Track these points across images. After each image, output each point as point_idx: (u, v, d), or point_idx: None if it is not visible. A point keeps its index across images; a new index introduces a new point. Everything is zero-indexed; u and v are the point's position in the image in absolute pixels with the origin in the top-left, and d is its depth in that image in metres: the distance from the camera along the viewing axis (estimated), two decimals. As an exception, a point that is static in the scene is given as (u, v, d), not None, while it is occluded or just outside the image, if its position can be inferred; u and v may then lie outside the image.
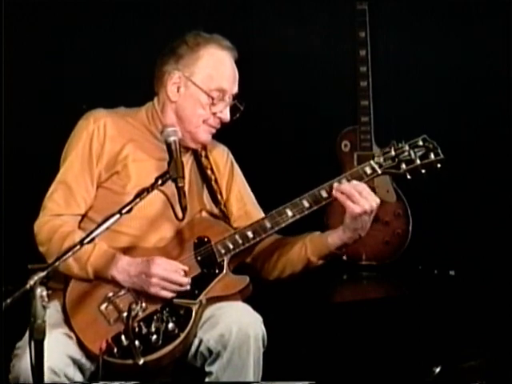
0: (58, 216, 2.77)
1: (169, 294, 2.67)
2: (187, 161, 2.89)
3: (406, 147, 2.79)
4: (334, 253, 2.80)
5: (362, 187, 2.71)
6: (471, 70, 4.06)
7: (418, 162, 2.77)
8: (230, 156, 3.03)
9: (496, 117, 4.02)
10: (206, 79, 2.82)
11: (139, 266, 2.67)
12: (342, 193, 2.70)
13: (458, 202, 4.03)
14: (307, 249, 2.81)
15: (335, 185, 2.73)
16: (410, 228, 4.01)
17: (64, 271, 2.70)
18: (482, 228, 3.98)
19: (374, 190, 3.95)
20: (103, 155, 2.82)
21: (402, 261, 4.01)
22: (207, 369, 2.66)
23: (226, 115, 2.84)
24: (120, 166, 2.81)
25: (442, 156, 2.77)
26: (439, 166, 2.77)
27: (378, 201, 2.72)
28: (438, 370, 3.33)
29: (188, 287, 2.69)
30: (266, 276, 2.90)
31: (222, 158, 3.00)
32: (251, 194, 3.01)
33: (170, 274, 2.67)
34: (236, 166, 3.02)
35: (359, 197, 2.69)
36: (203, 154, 2.95)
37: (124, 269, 2.68)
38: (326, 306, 3.61)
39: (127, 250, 2.75)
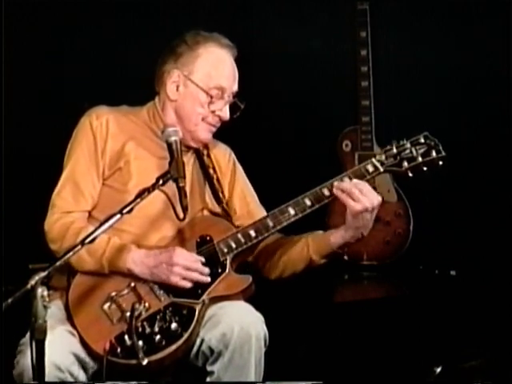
0: (68, 213, 2.77)
1: (188, 284, 2.68)
2: (189, 160, 2.89)
3: (408, 145, 2.78)
4: (336, 252, 2.80)
5: (363, 185, 2.71)
6: (471, 70, 4.06)
7: (420, 159, 2.76)
8: (233, 156, 3.02)
9: (496, 117, 4.02)
10: (204, 77, 2.82)
11: (158, 257, 2.68)
12: (343, 191, 2.70)
13: (459, 202, 4.02)
14: (309, 248, 2.81)
15: (336, 183, 2.72)
16: (411, 228, 4.01)
17: (76, 267, 2.70)
18: (483, 228, 3.98)
19: (374, 189, 4.01)
20: (106, 152, 2.82)
21: (403, 261, 4.01)
22: (209, 368, 2.65)
23: (225, 113, 2.84)
24: (122, 162, 2.81)
25: (443, 153, 2.76)
26: (441, 163, 2.77)
27: (379, 198, 2.72)
28: (438, 369, 3.32)
29: (208, 279, 2.70)
30: (267, 275, 2.89)
31: (224, 157, 2.99)
32: (254, 194, 3.01)
33: (193, 263, 2.69)
34: (238, 166, 3.02)
35: (360, 194, 2.68)
36: (205, 152, 2.95)
37: (142, 261, 2.69)
38: (327, 306, 3.60)
39: (129, 249, 2.74)
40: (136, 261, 2.69)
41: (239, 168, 3.02)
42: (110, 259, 2.68)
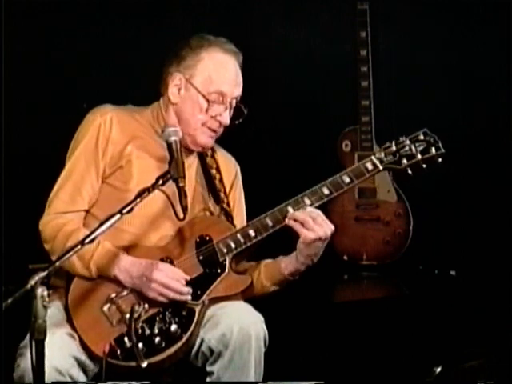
0: (63, 214, 2.76)
1: (166, 301, 2.66)
2: (192, 162, 2.88)
3: (407, 141, 2.76)
4: (287, 279, 2.79)
5: (317, 214, 2.69)
6: (471, 70, 4.06)
7: (419, 156, 2.74)
8: (237, 168, 2.99)
9: (496, 117, 4.03)
10: (205, 82, 2.80)
11: (141, 268, 2.67)
12: (296, 220, 2.68)
13: (459, 202, 4.03)
14: (261, 274, 2.81)
15: (289, 213, 2.70)
16: (411, 228, 4.01)
17: (68, 269, 2.70)
18: (483, 228, 3.99)
19: (374, 190, 4.03)
20: (108, 150, 2.80)
21: (403, 261, 4.02)
22: (208, 368, 2.65)
23: (225, 118, 2.80)
24: (124, 161, 2.80)
25: (443, 150, 2.74)
26: (440, 160, 2.76)
27: (332, 228, 2.69)
28: (438, 369, 3.32)
29: (188, 297, 2.68)
30: None
31: (228, 165, 2.96)
32: (244, 217, 2.96)
33: (171, 281, 2.66)
34: (239, 183, 2.98)
35: (313, 223, 2.67)
36: (209, 153, 2.92)
37: (126, 269, 2.67)
38: (327, 306, 3.61)
39: (129, 248, 2.74)
40: (121, 268, 2.67)
41: (239, 185, 2.99)
42: (98, 264, 2.67)
